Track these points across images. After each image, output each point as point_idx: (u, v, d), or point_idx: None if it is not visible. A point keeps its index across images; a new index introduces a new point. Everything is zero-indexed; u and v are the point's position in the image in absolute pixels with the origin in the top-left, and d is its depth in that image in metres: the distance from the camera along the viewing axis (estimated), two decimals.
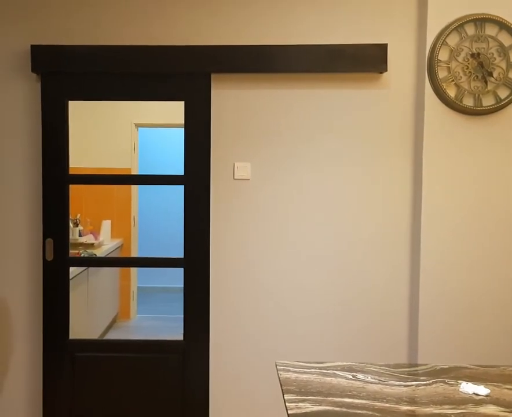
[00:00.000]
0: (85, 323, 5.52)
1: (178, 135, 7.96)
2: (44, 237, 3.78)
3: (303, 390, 2.24)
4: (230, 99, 3.73)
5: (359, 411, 2.06)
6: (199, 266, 3.80)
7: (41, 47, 3.66)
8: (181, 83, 3.74)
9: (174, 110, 6.49)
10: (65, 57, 3.67)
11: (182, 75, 3.72)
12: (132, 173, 7.12)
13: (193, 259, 3.81)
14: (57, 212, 3.80)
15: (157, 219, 8.78)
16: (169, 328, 6.09)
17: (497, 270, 3.60)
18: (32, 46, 3.65)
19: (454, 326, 3.60)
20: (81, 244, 6.07)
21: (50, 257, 3.78)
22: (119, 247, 7.03)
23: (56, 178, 3.78)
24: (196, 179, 3.77)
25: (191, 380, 3.84)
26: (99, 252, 5.98)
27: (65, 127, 3.78)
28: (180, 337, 3.87)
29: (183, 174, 3.79)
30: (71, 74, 3.75)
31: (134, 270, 7.39)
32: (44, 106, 3.75)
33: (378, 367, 2.51)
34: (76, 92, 3.81)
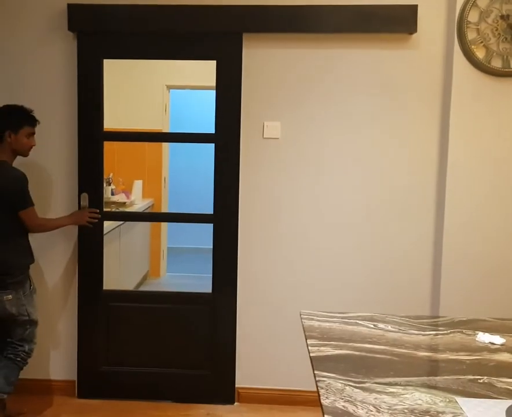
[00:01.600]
0: (117, 278, 5.67)
1: (210, 98, 8.07)
2: (80, 192, 3.91)
3: (325, 336, 2.34)
4: (260, 59, 3.79)
5: (378, 355, 2.15)
6: (228, 221, 3.91)
7: (78, 6, 3.74)
8: (213, 43, 3.80)
9: (206, 72, 6.57)
10: (101, 16, 3.76)
11: (215, 34, 3.78)
12: None
13: (222, 215, 3.91)
14: (92, 168, 3.92)
15: (187, 181, 8.88)
16: (198, 285, 6.21)
17: None
18: (69, 5, 3.74)
19: (475, 286, 3.67)
20: (114, 203, 6.20)
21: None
22: (149, 206, 7.16)
23: (91, 135, 3.89)
24: (226, 138, 3.85)
25: (219, 330, 3.99)
26: (131, 211, 6.11)
27: (100, 86, 3.88)
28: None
29: (213, 132, 3.87)
30: (106, 33, 3.83)
31: (164, 230, 7.53)
32: (80, 65, 3.84)
33: (399, 318, 2.59)
34: (111, 51, 3.91)
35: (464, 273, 3.66)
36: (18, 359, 3.48)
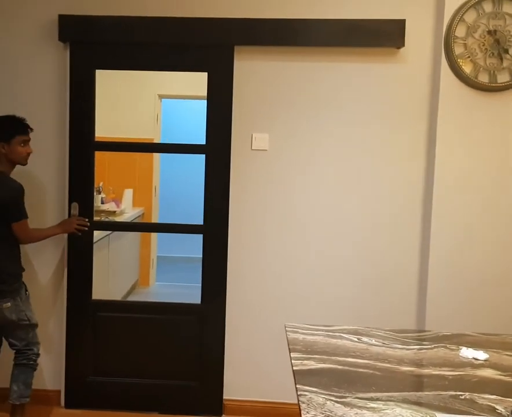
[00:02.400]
0: (106, 287, 5.66)
1: (201, 107, 8.08)
2: (70, 202, 3.91)
3: (309, 349, 2.34)
4: (249, 71, 3.81)
5: (361, 370, 2.16)
6: (218, 232, 3.91)
7: (69, 17, 3.75)
8: (205, 54, 3.82)
9: (197, 82, 6.59)
10: (92, 27, 3.77)
11: (206, 46, 3.79)
12: None
13: (212, 225, 3.91)
14: (82, 178, 3.93)
15: (177, 190, 8.88)
16: (187, 295, 6.20)
17: (505, 242, 3.66)
18: (60, 16, 3.75)
19: (461, 300, 3.68)
20: (103, 211, 6.20)
21: None
22: (140, 215, 7.15)
23: (82, 145, 3.90)
24: (216, 149, 3.86)
25: (207, 341, 3.98)
26: (121, 220, 6.11)
27: (92, 96, 3.89)
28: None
29: (204, 143, 3.88)
30: (98, 44, 3.84)
31: (154, 239, 7.53)
32: (73, 75, 3.85)
33: (383, 332, 2.60)
34: (103, 61, 3.91)
35: (451, 287, 3.67)
36: (31, 362, 3.58)
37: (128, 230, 4.63)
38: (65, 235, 3.91)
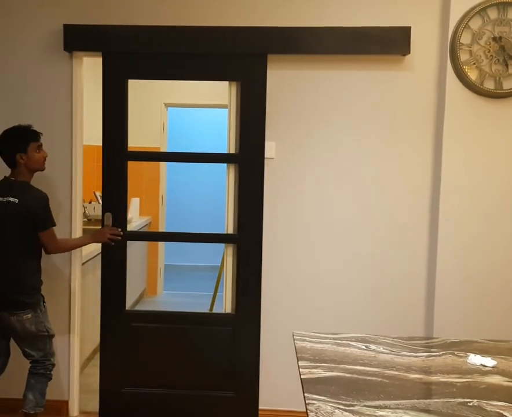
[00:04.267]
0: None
1: (207, 115, 8.09)
2: (104, 212, 3.92)
3: (317, 357, 2.35)
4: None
5: (369, 378, 2.16)
6: (251, 242, 3.88)
7: (74, 27, 3.78)
8: (238, 64, 3.81)
9: (203, 91, 6.62)
10: (124, 38, 3.78)
11: (238, 55, 3.79)
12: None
13: (246, 235, 3.88)
14: (116, 188, 3.93)
15: (184, 198, 8.91)
16: (196, 304, 6.21)
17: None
18: (65, 26, 3.78)
19: (469, 307, 3.67)
20: None
21: None
22: (147, 224, 7.17)
23: (115, 155, 3.92)
24: (249, 158, 3.84)
25: (242, 351, 3.94)
26: (128, 229, 6.11)
27: (124, 106, 3.91)
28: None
29: (235, 152, 3.88)
30: (130, 54, 3.86)
31: (161, 248, 7.54)
32: (105, 86, 3.88)
33: (391, 339, 2.60)
34: (135, 72, 3.93)
35: (458, 294, 3.66)
36: (48, 372, 3.61)
37: (160, 240, 4.54)
38: (99, 245, 3.93)
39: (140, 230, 6.68)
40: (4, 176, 3.53)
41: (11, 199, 3.39)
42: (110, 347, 4.02)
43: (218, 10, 3.79)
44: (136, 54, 3.86)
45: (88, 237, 3.82)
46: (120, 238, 3.85)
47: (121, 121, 3.91)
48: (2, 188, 3.47)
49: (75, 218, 3.97)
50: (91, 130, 6.41)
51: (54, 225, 3.51)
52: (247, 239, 3.89)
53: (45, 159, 3.56)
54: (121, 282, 4.01)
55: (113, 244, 3.84)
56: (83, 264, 4.24)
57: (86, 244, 3.80)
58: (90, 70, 5.94)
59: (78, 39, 3.81)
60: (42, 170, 3.57)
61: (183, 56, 3.84)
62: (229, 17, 3.77)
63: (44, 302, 3.58)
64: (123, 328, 4.00)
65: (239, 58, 3.80)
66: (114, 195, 3.93)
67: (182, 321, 4.05)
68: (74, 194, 3.95)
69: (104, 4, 3.83)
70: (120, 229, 3.87)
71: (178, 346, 4.00)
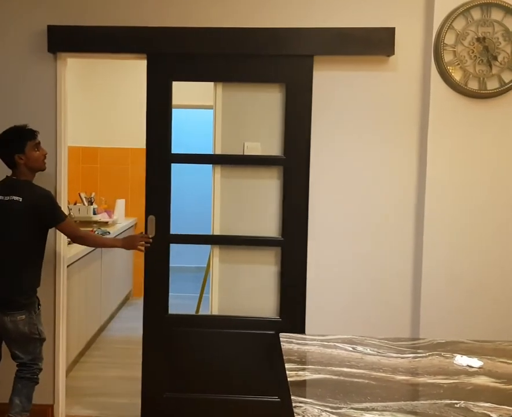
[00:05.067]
0: (98, 299, 5.65)
1: (199, 117, 8.02)
2: (147, 215, 3.88)
3: (303, 359, 2.35)
4: None
5: (356, 380, 2.16)
6: (297, 246, 3.84)
7: (58, 28, 3.75)
8: (283, 65, 3.77)
9: (187, 92, 6.58)
10: (171, 38, 3.75)
11: (284, 57, 3.76)
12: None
13: (291, 239, 3.85)
14: (159, 191, 3.89)
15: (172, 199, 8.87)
16: (183, 305, 6.17)
17: (497, 249, 3.67)
18: (49, 26, 3.75)
19: (455, 307, 3.68)
20: (96, 222, 6.18)
21: (151, 233, 3.85)
22: (133, 225, 7.15)
23: (159, 157, 3.87)
24: (295, 161, 3.81)
25: None
26: (113, 230, 6.08)
27: (168, 107, 3.86)
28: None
29: (281, 154, 3.85)
30: (176, 55, 3.82)
31: None
32: (149, 87, 3.85)
33: (378, 340, 2.61)
34: (179, 73, 3.88)
35: (444, 293, 3.67)
36: (35, 377, 3.57)
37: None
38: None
39: (125, 232, 6.66)
40: (6, 176, 3.51)
41: (15, 198, 3.38)
42: (152, 352, 3.96)
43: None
44: (181, 56, 3.82)
45: (119, 241, 3.79)
46: (149, 244, 3.77)
47: (165, 123, 3.86)
48: (5, 187, 3.45)
49: None
50: (76, 131, 6.40)
51: (66, 216, 3.52)
52: (291, 242, 3.85)
53: (45, 157, 3.54)
54: (164, 286, 3.95)
55: (143, 251, 3.78)
56: (68, 266, 4.21)
57: (114, 247, 3.79)
58: (74, 71, 5.92)
59: (62, 40, 3.77)
60: (43, 169, 3.56)
61: (228, 57, 3.79)
62: (280, 19, 3.74)
63: (39, 304, 3.55)
64: (165, 332, 3.94)
65: (285, 59, 3.76)
66: (157, 198, 3.89)
67: (225, 325, 3.96)
68: (59, 196, 3.89)
69: (89, 5, 3.80)
70: (151, 236, 3.79)
71: (220, 350, 3.93)
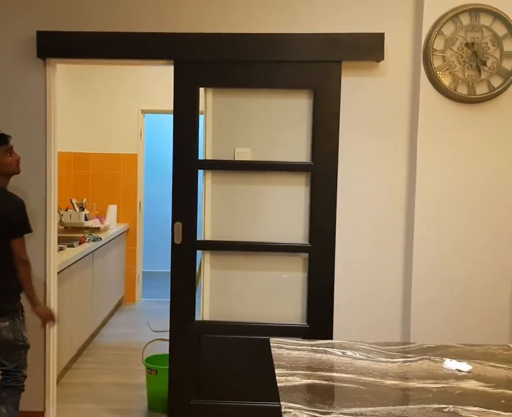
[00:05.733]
0: (89, 305, 5.63)
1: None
2: (174, 221, 3.87)
3: (293, 365, 2.35)
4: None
5: (345, 384, 2.16)
6: (325, 252, 3.84)
7: (48, 33, 3.75)
8: (312, 71, 3.76)
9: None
10: (198, 46, 3.76)
11: (312, 63, 3.75)
12: (138, 159, 7.26)
13: (319, 245, 3.84)
14: (186, 197, 3.88)
15: (161, 205, 8.87)
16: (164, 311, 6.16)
17: (487, 254, 3.68)
18: (38, 32, 3.75)
19: (445, 312, 3.69)
20: (87, 228, 6.17)
21: (178, 240, 3.86)
22: (124, 231, 7.14)
23: (186, 163, 3.85)
24: (323, 167, 3.81)
25: None
26: (105, 236, 6.07)
27: (195, 114, 3.85)
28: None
29: (309, 161, 3.84)
30: (203, 62, 3.81)
31: (139, 255, 7.51)
32: (176, 94, 3.84)
33: (368, 345, 2.61)
34: (207, 79, 3.87)
35: (434, 299, 3.68)
36: (20, 384, 3.53)
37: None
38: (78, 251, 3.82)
39: (117, 237, 6.65)
40: None
41: None
42: (179, 358, 3.94)
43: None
44: (208, 62, 3.81)
45: (36, 302, 3.49)
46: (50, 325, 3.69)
47: (192, 129, 3.84)
48: None
49: (50, 227, 3.92)
50: (67, 137, 6.40)
51: (31, 231, 3.43)
52: (320, 249, 3.84)
53: (18, 162, 3.48)
54: (190, 292, 3.93)
55: (42, 326, 3.62)
56: (59, 272, 4.20)
57: (30, 300, 3.46)
58: (66, 76, 5.92)
59: (51, 45, 3.77)
60: (18, 173, 3.49)
61: (256, 63, 3.79)
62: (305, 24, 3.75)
63: (23, 311, 3.52)
64: (192, 338, 3.93)
65: (313, 65, 3.75)
66: (184, 204, 3.88)
67: (253, 332, 3.93)
68: (49, 202, 3.90)
69: (78, 11, 3.80)
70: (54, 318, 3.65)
71: (248, 356, 3.91)
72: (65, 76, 6.14)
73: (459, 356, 2.46)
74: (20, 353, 3.51)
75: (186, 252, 3.86)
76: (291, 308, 3.96)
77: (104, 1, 3.80)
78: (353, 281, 3.86)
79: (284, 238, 3.92)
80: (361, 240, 3.83)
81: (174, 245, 3.88)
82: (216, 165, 3.98)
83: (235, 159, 3.89)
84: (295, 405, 1.95)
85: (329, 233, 3.82)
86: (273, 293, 3.97)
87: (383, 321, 3.83)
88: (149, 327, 5.06)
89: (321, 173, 3.81)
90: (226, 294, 4.04)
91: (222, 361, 3.95)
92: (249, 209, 3.95)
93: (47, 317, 3.60)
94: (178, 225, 3.85)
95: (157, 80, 6.87)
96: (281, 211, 3.92)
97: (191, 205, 3.88)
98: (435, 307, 3.68)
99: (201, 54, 3.77)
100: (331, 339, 3.78)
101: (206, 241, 3.96)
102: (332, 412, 1.90)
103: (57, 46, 3.78)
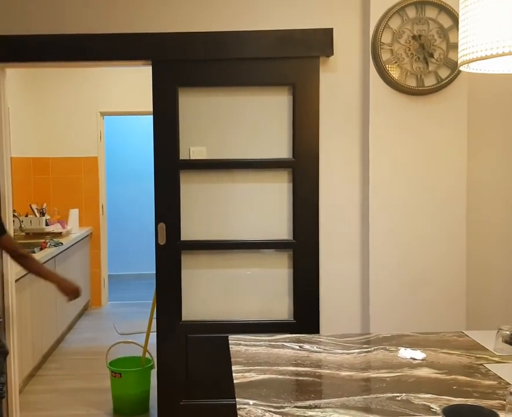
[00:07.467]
0: (53, 311, 5.58)
1: (142, 123, 8.03)
2: (157, 222, 3.85)
3: (250, 361, 2.36)
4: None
5: (301, 378, 2.19)
6: (309, 247, 3.86)
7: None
8: (291, 68, 3.77)
9: (137, 99, 6.58)
10: (176, 47, 3.73)
11: (291, 59, 3.75)
12: (99, 161, 7.22)
13: (303, 241, 3.86)
14: (168, 198, 3.86)
15: (124, 208, 8.84)
16: (141, 313, 6.17)
17: (440, 244, 3.73)
18: None
19: (402, 299, 3.73)
20: (48, 233, 6.11)
21: (162, 241, 3.85)
22: (87, 235, 7.09)
23: (167, 164, 3.84)
24: (304, 164, 3.82)
25: None
26: (67, 241, 6.03)
27: (175, 114, 3.83)
28: None
29: (290, 157, 3.86)
30: (180, 61, 3.79)
31: (104, 258, 7.47)
32: (155, 94, 3.81)
33: (325, 337, 2.64)
34: (186, 79, 3.85)
35: (391, 288, 3.72)
36: (0, 392, 3.43)
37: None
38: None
39: (79, 242, 6.60)
40: None
41: None
42: (167, 359, 3.93)
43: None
44: (183, 62, 3.80)
45: (57, 278, 3.53)
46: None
47: (173, 130, 3.83)
48: None
49: None
50: (26, 142, 6.32)
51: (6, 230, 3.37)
52: (303, 244, 3.87)
53: None
54: (176, 293, 3.92)
55: (68, 300, 3.55)
56: (18, 279, 4.15)
57: (49, 281, 3.50)
58: (22, 81, 5.84)
59: None
60: None
61: (234, 61, 3.79)
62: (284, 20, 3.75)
63: (0, 317, 3.49)
64: (179, 339, 3.93)
65: (292, 61, 3.76)
66: (167, 205, 3.86)
67: (241, 330, 3.79)
68: (3, 208, 3.84)
69: (27, 14, 3.76)
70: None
71: None
72: (23, 80, 6.07)
73: (413, 344, 2.50)
74: None
75: (170, 252, 3.86)
76: (279, 305, 3.99)
77: (75, 3, 3.75)
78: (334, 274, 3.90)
79: (270, 235, 3.94)
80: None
81: (158, 246, 3.87)
82: (198, 166, 3.99)
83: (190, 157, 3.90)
84: (249, 401, 1.97)
85: (312, 228, 3.85)
86: (261, 291, 3.99)
87: (341, 312, 3.87)
88: (116, 330, 5.05)
89: (302, 169, 3.84)
90: (212, 293, 4.03)
91: (210, 360, 3.95)
92: (234, 209, 3.96)
93: (74, 293, 3.53)
94: (162, 225, 3.85)
95: (115, 82, 6.86)
96: (266, 208, 3.94)
97: (174, 205, 3.88)
98: (391, 296, 3.72)
99: (179, 54, 3.76)
100: (318, 333, 3.83)
101: (190, 241, 3.96)
102: (287, 406, 1.93)
103: (5, 50, 3.71)
